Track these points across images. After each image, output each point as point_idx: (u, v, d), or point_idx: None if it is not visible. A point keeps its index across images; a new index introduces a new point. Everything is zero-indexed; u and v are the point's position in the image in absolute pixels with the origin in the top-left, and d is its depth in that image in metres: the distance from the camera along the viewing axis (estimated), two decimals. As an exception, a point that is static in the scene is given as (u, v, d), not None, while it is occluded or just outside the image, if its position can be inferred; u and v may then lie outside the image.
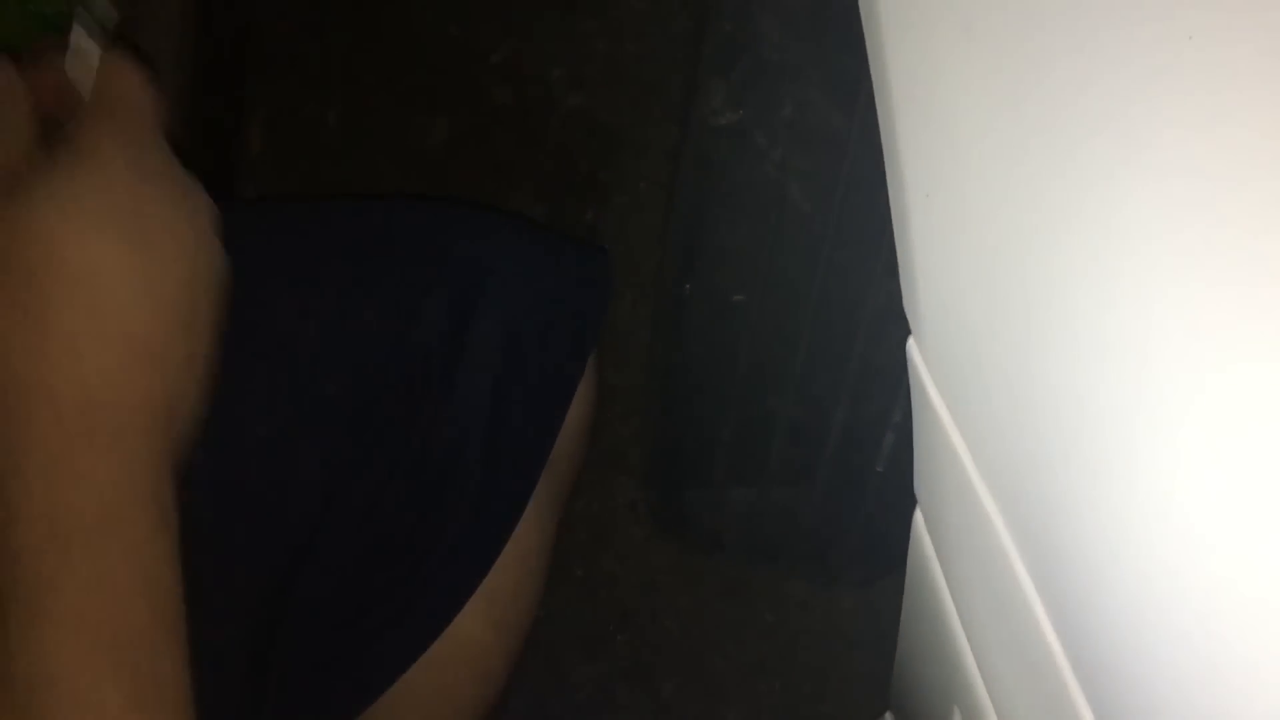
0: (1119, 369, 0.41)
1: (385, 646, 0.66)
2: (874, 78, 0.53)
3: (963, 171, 0.49)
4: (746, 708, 1.06)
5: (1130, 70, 0.38)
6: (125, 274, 0.45)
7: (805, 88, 0.66)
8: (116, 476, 0.44)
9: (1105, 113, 0.40)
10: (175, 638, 0.44)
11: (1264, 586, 0.36)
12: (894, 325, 0.55)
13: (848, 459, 0.75)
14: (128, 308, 0.45)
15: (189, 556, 0.51)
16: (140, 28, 1.04)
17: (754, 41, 0.67)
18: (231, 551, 0.64)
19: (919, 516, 0.60)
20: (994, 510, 0.52)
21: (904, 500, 0.62)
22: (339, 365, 0.68)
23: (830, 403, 0.73)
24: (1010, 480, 0.51)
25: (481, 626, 0.69)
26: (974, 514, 0.53)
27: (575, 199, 1.22)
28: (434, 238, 0.71)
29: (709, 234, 0.71)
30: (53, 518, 0.42)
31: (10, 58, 0.50)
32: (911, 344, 0.56)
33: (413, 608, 0.67)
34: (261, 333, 0.65)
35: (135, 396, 0.45)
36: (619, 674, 1.07)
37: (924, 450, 0.58)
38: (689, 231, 0.71)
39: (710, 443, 0.77)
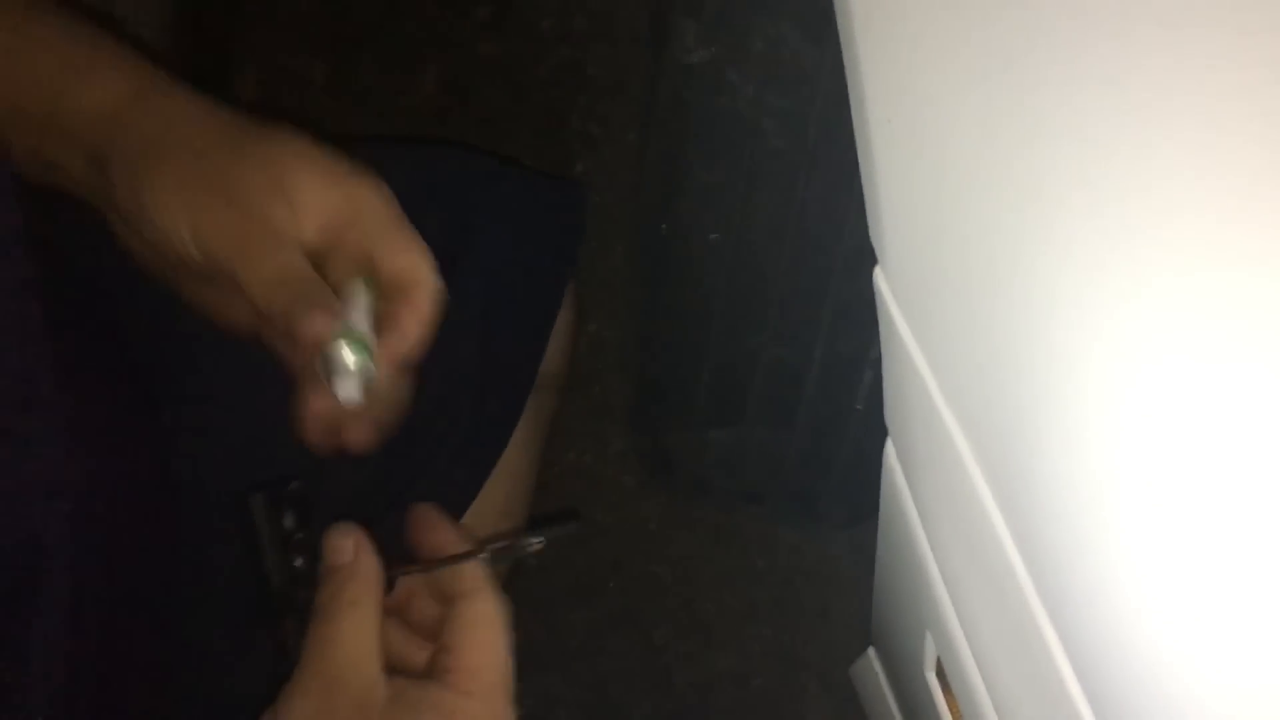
0: (1077, 296, 0.41)
1: None
2: (836, 4, 0.53)
3: (922, 96, 0.49)
4: (737, 651, 1.07)
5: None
6: None
7: (776, 22, 0.66)
8: None
9: (1072, 39, 0.40)
10: None
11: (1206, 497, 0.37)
12: (871, 261, 0.56)
13: (828, 398, 0.76)
14: None
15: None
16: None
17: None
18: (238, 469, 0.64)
19: (890, 447, 0.61)
20: (959, 434, 0.52)
21: (884, 437, 0.62)
22: None
23: (808, 341, 0.73)
24: (973, 404, 0.51)
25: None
26: (940, 439, 0.53)
27: (565, 151, 1.22)
28: (420, 176, 0.72)
29: (683, 173, 0.71)
30: None
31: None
32: (878, 273, 0.56)
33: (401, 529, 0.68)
34: None
35: None
36: (610, 620, 1.07)
37: (893, 379, 0.58)
38: (664, 171, 0.71)
39: (690, 384, 0.78)
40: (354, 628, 0.50)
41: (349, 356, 0.48)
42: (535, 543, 0.55)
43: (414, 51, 1.24)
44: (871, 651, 0.80)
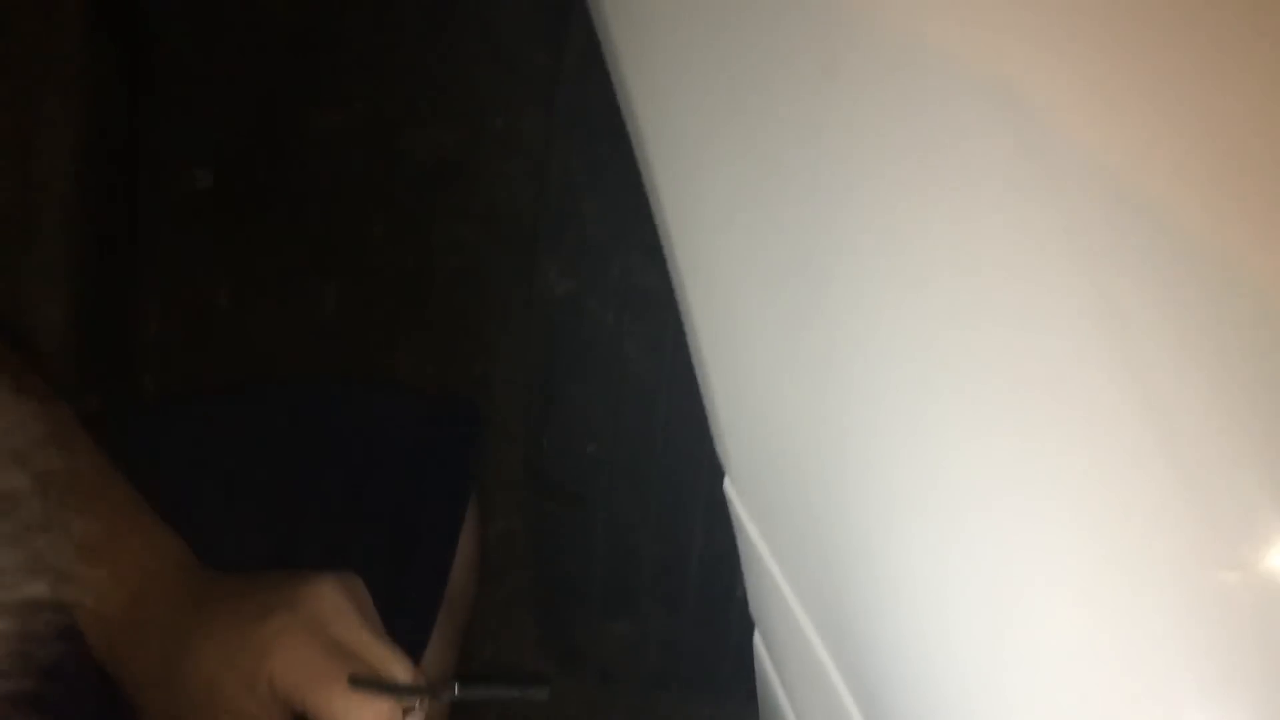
0: (903, 504, 0.48)
1: None
2: (665, 250, 0.60)
3: (742, 338, 0.56)
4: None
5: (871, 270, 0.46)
6: None
7: (628, 254, 0.74)
8: None
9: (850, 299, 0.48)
10: None
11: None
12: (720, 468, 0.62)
13: (710, 587, 0.81)
14: None
15: None
16: (32, 223, 1.11)
17: (579, 218, 0.75)
18: None
19: (757, 636, 0.67)
20: (809, 627, 0.58)
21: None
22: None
23: (687, 537, 0.79)
24: (818, 598, 0.57)
25: None
26: (794, 630, 0.59)
27: (464, 355, 1.28)
28: (328, 417, 0.79)
29: (560, 392, 0.78)
30: None
31: None
32: (727, 483, 0.62)
33: None
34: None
35: None
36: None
37: (751, 576, 0.64)
38: (539, 392, 0.78)
39: (585, 580, 0.83)
40: None
41: None
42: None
43: (313, 271, 1.31)
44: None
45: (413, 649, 0.77)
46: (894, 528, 0.49)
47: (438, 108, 1.38)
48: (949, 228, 0.45)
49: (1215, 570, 0.40)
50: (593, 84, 0.73)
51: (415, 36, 1.40)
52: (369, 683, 0.59)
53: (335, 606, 0.61)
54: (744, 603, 0.82)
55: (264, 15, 1.41)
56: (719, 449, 0.62)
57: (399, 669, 0.60)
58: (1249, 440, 0.40)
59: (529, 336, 0.78)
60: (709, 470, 0.77)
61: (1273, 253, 0.42)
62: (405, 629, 0.76)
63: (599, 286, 0.75)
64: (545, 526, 0.85)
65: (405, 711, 0.59)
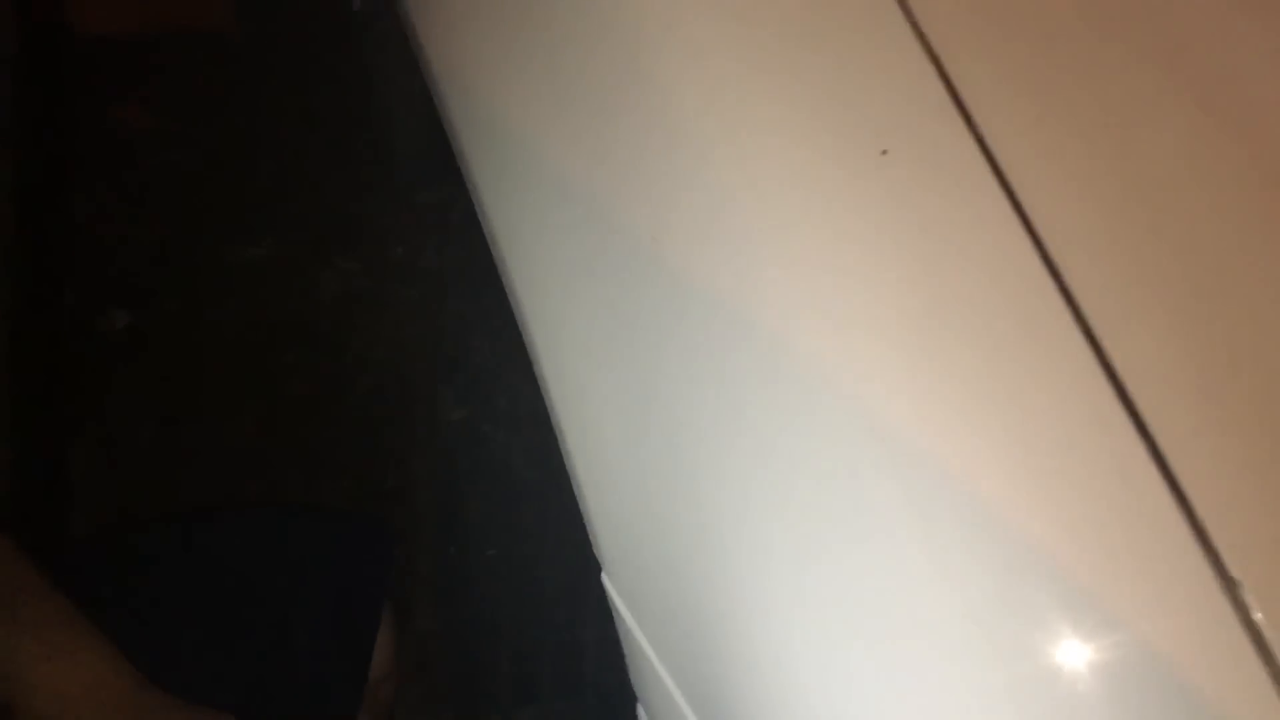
0: (752, 590, 0.58)
1: None
2: (539, 380, 0.71)
3: (605, 458, 0.67)
4: None
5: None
6: None
7: (515, 382, 0.85)
8: None
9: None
10: None
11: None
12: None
13: (605, 673, 0.91)
14: None
15: None
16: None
17: (469, 354, 0.86)
18: None
19: (641, 711, 0.76)
20: (679, 697, 0.68)
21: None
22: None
23: (580, 628, 0.89)
24: (686, 670, 0.67)
25: None
26: (668, 703, 0.69)
27: (378, 467, 1.37)
28: (256, 540, 0.88)
29: (460, 504, 0.88)
30: None
31: None
32: (604, 577, 0.72)
33: None
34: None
35: None
36: None
37: (630, 657, 0.74)
38: (444, 505, 0.88)
39: (493, 673, 0.93)
40: None
41: None
42: None
43: (231, 404, 1.40)
44: None
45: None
46: (749, 607, 0.59)
47: (341, 240, 1.48)
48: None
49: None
50: (477, 232, 0.85)
51: (317, 174, 1.51)
52: None
53: None
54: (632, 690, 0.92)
55: (171, 160, 1.51)
56: (595, 548, 0.72)
57: None
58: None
59: (432, 455, 0.88)
60: (595, 565, 0.88)
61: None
62: (336, 708, 0.86)
63: (490, 411, 0.86)
64: (456, 625, 0.95)
65: None
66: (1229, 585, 0.46)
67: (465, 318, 0.86)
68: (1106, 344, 0.51)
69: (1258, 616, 0.46)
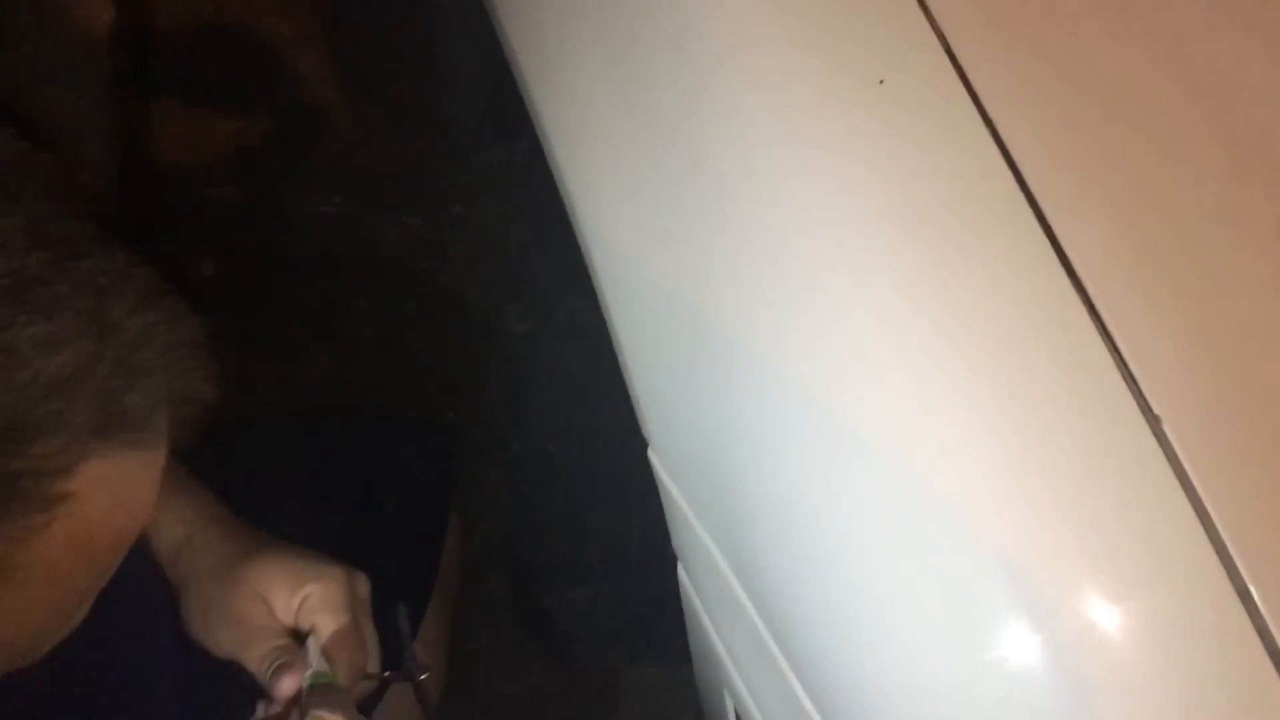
0: (795, 465, 0.67)
1: None
2: (594, 282, 0.83)
3: (654, 339, 0.80)
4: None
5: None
6: None
7: (572, 297, 0.98)
8: None
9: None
10: None
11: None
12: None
13: (647, 552, 1.04)
14: None
15: None
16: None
17: (532, 276, 0.99)
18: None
19: (680, 567, 0.89)
20: (719, 555, 0.78)
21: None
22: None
23: (625, 510, 1.02)
24: (720, 531, 0.78)
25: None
26: (706, 558, 0.80)
27: (438, 404, 1.51)
28: (336, 442, 1.01)
29: (523, 407, 1.02)
30: None
31: None
32: (650, 453, 0.85)
33: None
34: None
35: None
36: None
37: (672, 522, 0.86)
38: (506, 408, 1.02)
39: (550, 554, 1.06)
40: None
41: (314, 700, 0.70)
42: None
43: (307, 343, 1.54)
44: (709, 734, 1.06)
45: (413, 623, 0.98)
46: (780, 471, 0.68)
47: (404, 198, 1.63)
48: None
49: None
50: (538, 171, 0.98)
51: (382, 139, 1.65)
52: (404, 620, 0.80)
53: (338, 581, 0.76)
54: (675, 559, 1.05)
55: (251, 122, 1.66)
56: (642, 426, 0.85)
57: (359, 653, 0.74)
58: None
59: (498, 364, 1.02)
60: (641, 455, 1.01)
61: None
62: (408, 606, 0.98)
63: (550, 324, 0.99)
64: (516, 515, 1.08)
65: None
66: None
67: (528, 246, 0.99)
68: (1072, 255, 0.60)
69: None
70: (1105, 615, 0.55)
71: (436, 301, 1.57)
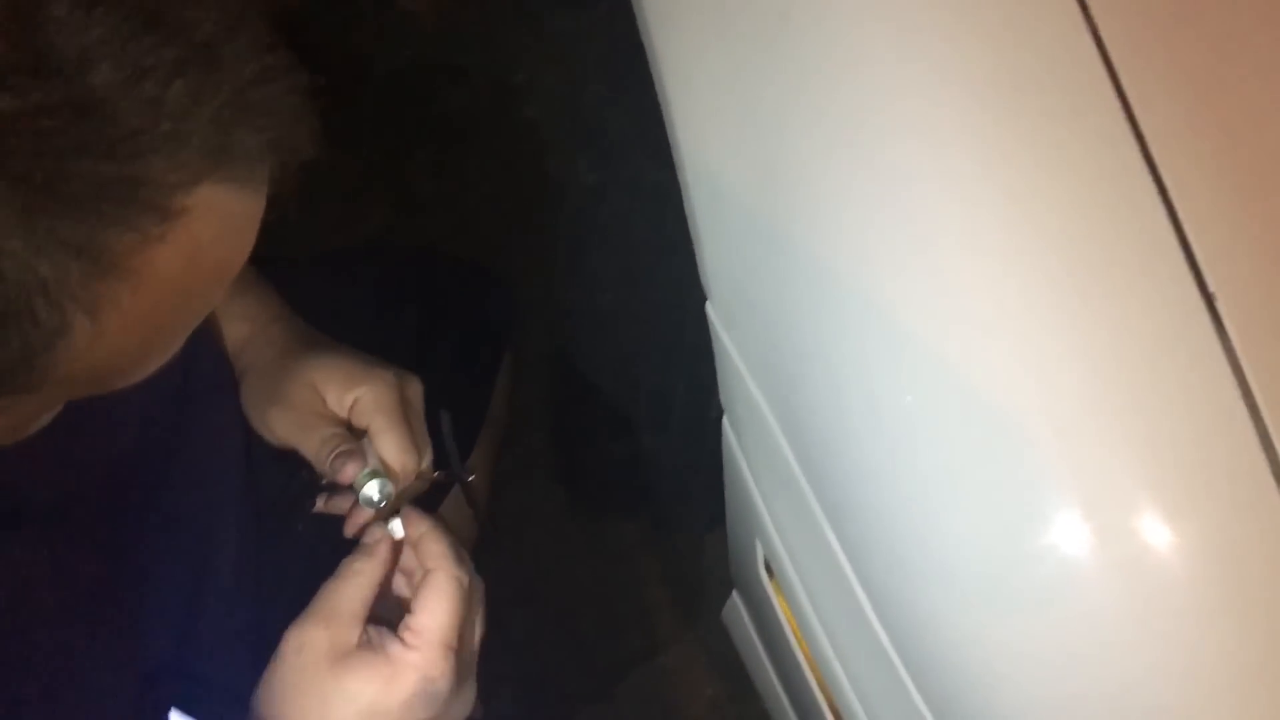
0: (839, 319, 0.69)
1: None
2: (669, 133, 0.84)
3: (725, 192, 0.81)
4: (642, 637, 1.38)
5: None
6: None
7: (638, 156, 1.00)
8: None
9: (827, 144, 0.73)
10: None
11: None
12: (703, 297, 0.86)
13: (690, 412, 1.07)
14: None
15: None
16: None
17: (604, 127, 1.01)
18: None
19: (725, 421, 0.92)
20: (767, 409, 0.81)
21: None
22: None
23: (673, 370, 1.05)
24: (771, 384, 0.80)
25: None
26: (753, 409, 0.83)
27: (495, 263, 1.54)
28: (399, 275, 1.03)
29: (583, 255, 1.04)
30: None
31: None
32: (709, 305, 0.87)
33: None
34: None
35: None
36: (545, 621, 1.38)
37: (723, 374, 0.89)
38: (570, 254, 1.04)
39: (594, 407, 1.10)
40: (352, 589, 0.69)
41: (374, 491, 0.74)
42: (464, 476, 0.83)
43: (366, 189, 1.57)
44: (734, 593, 1.10)
45: (464, 451, 1.02)
46: (842, 333, 0.69)
47: (469, 60, 1.64)
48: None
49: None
50: (619, 28, 0.99)
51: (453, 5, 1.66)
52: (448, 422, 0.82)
53: (389, 385, 0.77)
54: (716, 424, 1.08)
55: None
56: (703, 278, 0.86)
57: (409, 455, 0.76)
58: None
59: (564, 212, 1.04)
60: (694, 316, 1.03)
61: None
62: (459, 436, 1.02)
63: (618, 180, 1.01)
64: (565, 364, 1.11)
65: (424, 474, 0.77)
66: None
67: (602, 98, 1.00)
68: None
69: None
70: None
71: (496, 164, 1.59)
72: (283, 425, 0.78)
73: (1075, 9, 0.63)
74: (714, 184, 0.82)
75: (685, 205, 0.84)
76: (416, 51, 1.64)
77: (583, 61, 1.05)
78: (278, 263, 0.80)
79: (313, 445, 0.76)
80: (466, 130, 1.59)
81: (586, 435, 1.13)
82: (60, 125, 0.43)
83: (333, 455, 0.74)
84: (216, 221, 0.49)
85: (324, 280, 1.00)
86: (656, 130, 0.89)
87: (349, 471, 0.74)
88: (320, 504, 0.78)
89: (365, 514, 0.75)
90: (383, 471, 0.75)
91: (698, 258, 0.85)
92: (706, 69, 0.81)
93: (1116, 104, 0.61)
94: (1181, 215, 0.58)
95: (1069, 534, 0.56)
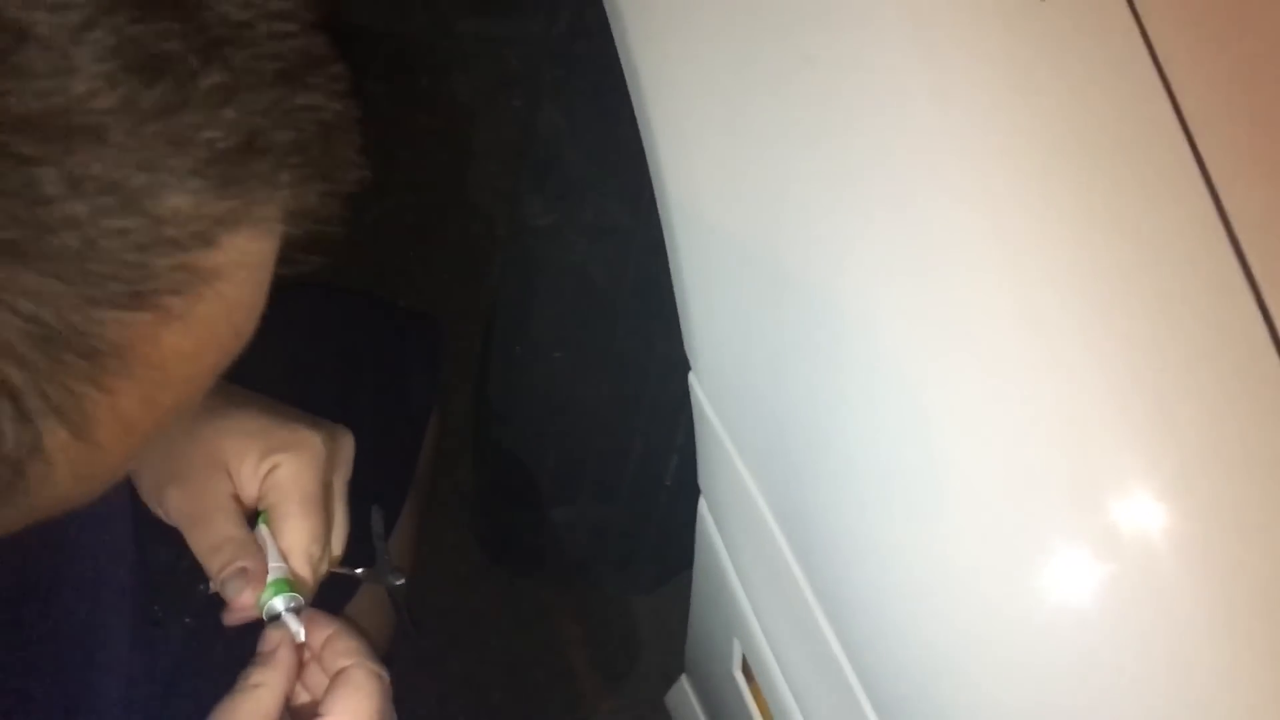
0: (845, 394, 0.63)
1: None
2: (655, 183, 0.75)
3: (720, 251, 0.72)
4: (562, 706, 1.26)
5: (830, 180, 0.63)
6: None
7: (602, 196, 0.90)
8: None
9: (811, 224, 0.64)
10: None
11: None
12: (674, 370, 0.78)
13: (643, 478, 0.98)
14: None
15: None
16: None
17: (561, 161, 0.90)
18: None
19: (703, 502, 0.83)
20: (754, 489, 0.74)
21: (688, 508, 0.84)
22: None
23: (628, 433, 0.95)
24: (763, 466, 0.73)
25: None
26: (740, 491, 0.75)
27: (390, 289, 1.42)
28: (320, 317, 0.91)
29: (533, 307, 0.93)
30: None
31: None
32: (692, 377, 0.78)
33: None
34: None
35: None
36: (452, 687, 1.25)
37: (703, 450, 0.80)
38: (516, 306, 0.93)
39: (535, 472, 0.99)
40: (253, 704, 0.62)
41: (279, 606, 0.65)
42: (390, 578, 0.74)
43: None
44: (684, 678, 1.01)
45: (388, 522, 0.91)
46: (844, 415, 0.64)
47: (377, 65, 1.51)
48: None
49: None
50: (580, 52, 0.88)
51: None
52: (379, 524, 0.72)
53: (314, 454, 0.68)
54: (670, 491, 0.98)
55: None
56: (688, 348, 0.77)
57: (338, 530, 0.69)
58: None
59: (511, 255, 0.93)
60: (655, 377, 0.93)
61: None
62: (382, 503, 0.90)
63: (575, 221, 0.90)
64: (506, 421, 1.00)
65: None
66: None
67: (559, 131, 0.90)
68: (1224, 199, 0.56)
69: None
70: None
71: (393, 179, 1.46)
72: (176, 510, 0.67)
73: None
74: (706, 244, 0.73)
75: (671, 266, 0.75)
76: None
77: (533, 78, 0.94)
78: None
79: (204, 549, 0.66)
80: (398, 151, 1.46)
81: (515, 497, 1.02)
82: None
83: (226, 572, 0.65)
84: (245, 279, 0.38)
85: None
86: (623, 168, 0.80)
87: (244, 599, 0.65)
88: (213, 587, 0.66)
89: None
90: (291, 581, 0.66)
91: (682, 323, 0.77)
92: (705, 111, 0.72)
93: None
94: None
95: (1102, 640, 0.53)
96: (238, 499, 0.68)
